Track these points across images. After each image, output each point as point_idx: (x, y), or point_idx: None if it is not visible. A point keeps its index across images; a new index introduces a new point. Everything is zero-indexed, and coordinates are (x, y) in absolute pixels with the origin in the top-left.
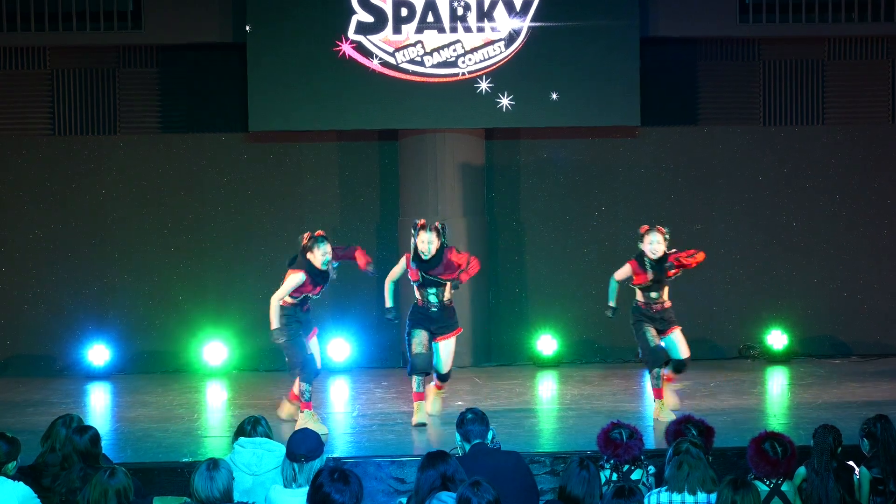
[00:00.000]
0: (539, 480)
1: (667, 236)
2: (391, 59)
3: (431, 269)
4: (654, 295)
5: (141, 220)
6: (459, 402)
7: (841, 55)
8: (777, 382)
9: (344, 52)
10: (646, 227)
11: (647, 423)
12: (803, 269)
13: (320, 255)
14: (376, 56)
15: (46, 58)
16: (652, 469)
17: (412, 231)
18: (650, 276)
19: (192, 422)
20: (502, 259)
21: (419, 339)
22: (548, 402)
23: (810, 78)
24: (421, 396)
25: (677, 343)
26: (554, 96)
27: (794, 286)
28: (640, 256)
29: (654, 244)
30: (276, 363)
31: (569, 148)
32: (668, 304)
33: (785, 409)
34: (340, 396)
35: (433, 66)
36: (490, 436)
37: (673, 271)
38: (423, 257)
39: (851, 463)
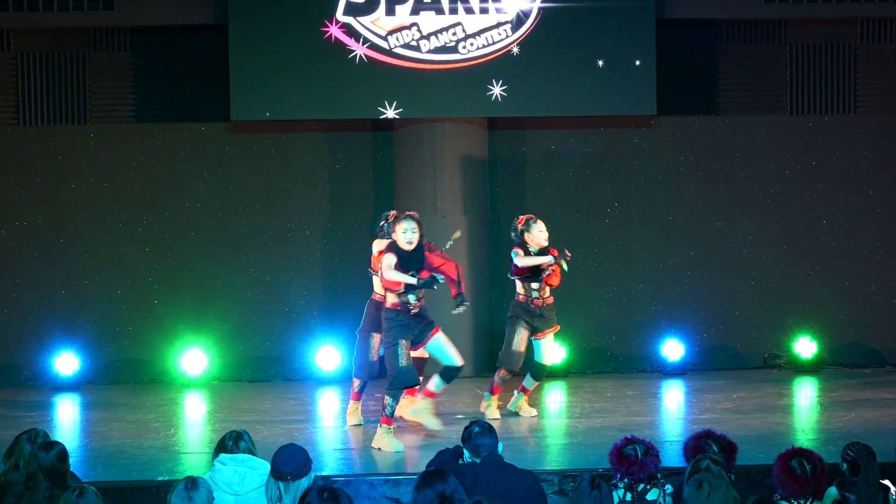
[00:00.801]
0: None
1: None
2: (383, 44)
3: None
4: (535, 286)
5: (113, 218)
6: (460, 416)
7: (875, 38)
8: (805, 394)
9: (332, 36)
10: (529, 215)
11: (663, 439)
12: (834, 271)
13: (401, 232)
14: (367, 40)
15: (10, 41)
16: (669, 488)
17: (382, 225)
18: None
19: (169, 437)
20: (506, 260)
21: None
22: (556, 415)
23: (841, 63)
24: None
25: (544, 349)
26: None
27: (824, 289)
28: (524, 245)
29: (537, 233)
30: (259, 373)
31: (579, 139)
32: (549, 299)
33: (814, 423)
34: (330, 409)
35: (430, 51)
36: (500, 449)
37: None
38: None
39: (887, 482)
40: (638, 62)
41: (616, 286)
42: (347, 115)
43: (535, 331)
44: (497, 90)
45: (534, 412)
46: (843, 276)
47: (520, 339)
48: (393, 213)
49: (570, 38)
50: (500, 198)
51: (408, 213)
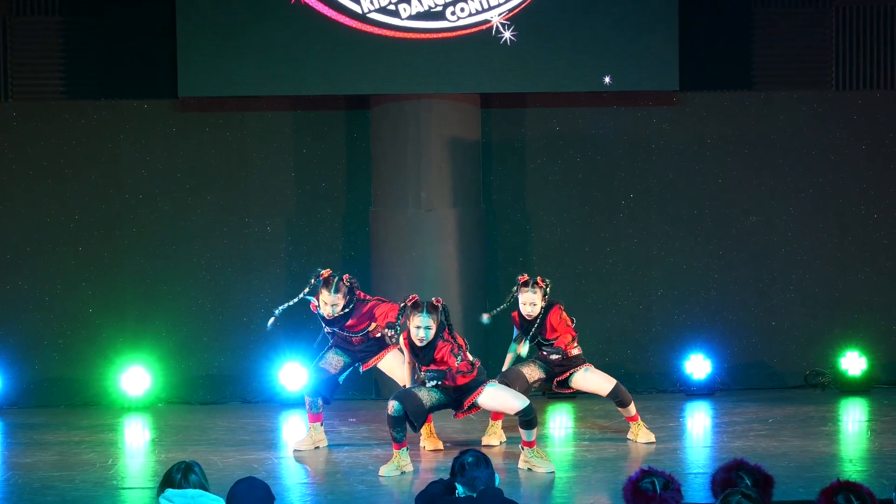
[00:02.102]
0: None
1: (547, 291)
2: (355, 7)
3: (343, 326)
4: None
5: (40, 211)
6: (447, 444)
7: None
8: (853, 417)
9: None
10: (524, 276)
11: (687, 470)
12: (887, 274)
13: (413, 326)
14: (336, 2)
15: None
16: None
17: (312, 281)
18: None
19: (106, 469)
20: (503, 261)
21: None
22: (560, 443)
23: (895, 29)
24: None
25: (586, 383)
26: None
27: (875, 295)
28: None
29: (528, 305)
30: (212, 394)
31: (588, 119)
32: (574, 350)
33: (863, 451)
34: (295, 435)
35: (410, 17)
36: (497, 482)
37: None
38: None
39: None
40: (658, 29)
41: (632, 292)
42: (315, 90)
43: (553, 375)
44: (492, 59)
45: (652, 437)
46: None
47: (529, 370)
48: (326, 271)
49: (579, 1)
50: (495, 188)
51: (424, 302)
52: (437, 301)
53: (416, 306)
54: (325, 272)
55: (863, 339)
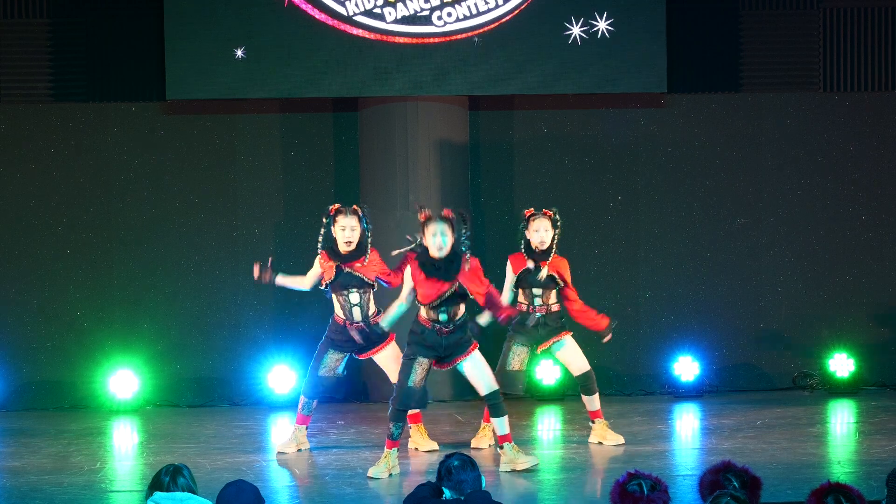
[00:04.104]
0: None
1: (557, 223)
2: (341, 10)
3: (349, 262)
4: (536, 291)
5: (28, 214)
6: (438, 446)
7: None
8: (841, 419)
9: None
10: (529, 210)
11: (675, 472)
12: (874, 276)
13: (430, 235)
14: (323, 5)
15: None
16: None
17: (324, 220)
18: (530, 264)
19: (94, 472)
20: (491, 262)
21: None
22: (549, 446)
23: (883, 31)
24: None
25: (568, 358)
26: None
27: (864, 297)
28: (528, 246)
29: (542, 231)
30: (200, 397)
31: (576, 121)
32: (554, 307)
33: (851, 453)
34: (284, 438)
35: (396, 21)
36: (483, 484)
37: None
38: (343, 250)
39: None
40: (646, 31)
41: (620, 294)
42: (303, 93)
43: (538, 342)
44: (479, 62)
45: (621, 440)
46: (886, 282)
47: (515, 357)
48: (335, 206)
49: (567, 3)
50: (483, 190)
51: (440, 213)
52: (447, 212)
53: (429, 219)
54: (334, 207)
55: (851, 341)
